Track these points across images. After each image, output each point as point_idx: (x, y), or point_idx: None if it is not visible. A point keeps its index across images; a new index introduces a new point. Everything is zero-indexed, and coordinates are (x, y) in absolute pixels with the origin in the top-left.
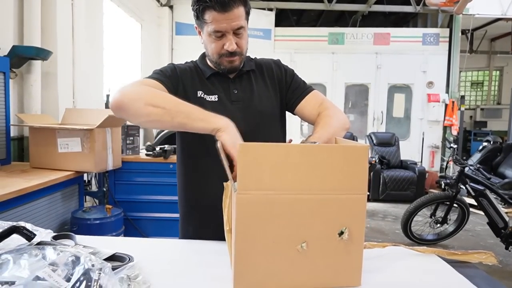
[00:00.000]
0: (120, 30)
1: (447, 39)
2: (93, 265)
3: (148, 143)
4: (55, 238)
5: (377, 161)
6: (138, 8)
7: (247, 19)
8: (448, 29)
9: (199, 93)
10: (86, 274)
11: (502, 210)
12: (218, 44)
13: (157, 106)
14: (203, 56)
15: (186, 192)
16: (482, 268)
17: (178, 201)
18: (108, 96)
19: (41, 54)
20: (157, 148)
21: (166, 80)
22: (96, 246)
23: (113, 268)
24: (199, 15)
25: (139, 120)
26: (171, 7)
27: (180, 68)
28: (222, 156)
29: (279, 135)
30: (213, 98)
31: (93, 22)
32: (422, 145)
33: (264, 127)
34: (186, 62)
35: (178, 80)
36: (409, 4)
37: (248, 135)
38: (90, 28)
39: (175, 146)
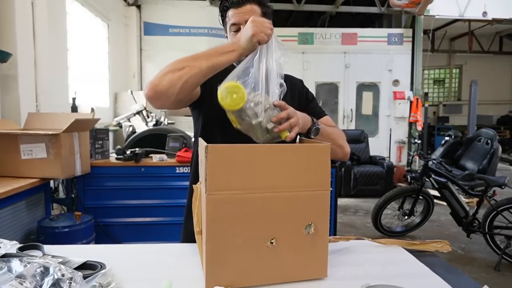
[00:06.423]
0: (86, 30)
1: (411, 39)
2: (63, 275)
3: (118, 146)
4: (21, 249)
5: None
6: (104, 8)
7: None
8: (411, 29)
9: None
10: (56, 284)
11: (463, 200)
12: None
13: (182, 67)
14: None
15: None
16: (446, 255)
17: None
18: (74, 99)
19: None
20: (128, 152)
21: None
22: (66, 255)
23: (85, 277)
24: (222, 18)
25: (177, 88)
26: (138, 6)
27: None
28: (201, 159)
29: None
30: None
31: (56, 22)
32: (390, 141)
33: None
34: None
35: None
36: (374, 5)
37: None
38: (53, 29)
39: (146, 149)
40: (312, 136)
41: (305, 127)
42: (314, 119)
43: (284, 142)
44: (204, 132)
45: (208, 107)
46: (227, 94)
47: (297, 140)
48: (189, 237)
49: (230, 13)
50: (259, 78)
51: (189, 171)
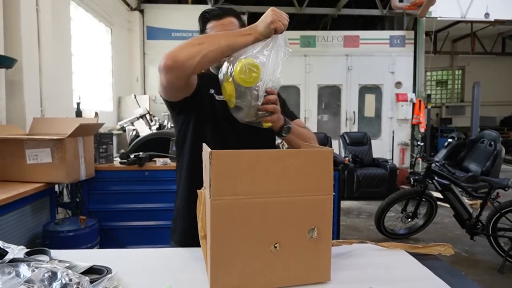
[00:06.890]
0: (90, 35)
1: (413, 41)
2: (70, 280)
3: (122, 150)
4: (28, 254)
5: (350, 160)
6: (107, 13)
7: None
8: (413, 31)
9: (211, 91)
10: None
11: (466, 202)
12: None
13: (201, 42)
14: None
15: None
16: (449, 258)
17: (178, 205)
18: (78, 104)
19: (5, 62)
20: (132, 156)
21: None
22: (72, 260)
23: (91, 281)
24: (202, 28)
25: (196, 60)
26: (141, 11)
27: None
28: (205, 165)
29: (272, 141)
30: (222, 97)
31: (61, 28)
32: (393, 143)
33: (263, 131)
34: None
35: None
36: (376, 7)
37: (248, 138)
38: (58, 34)
39: (149, 153)
40: (284, 134)
41: (278, 123)
42: (286, 119)
43: (261, 128)
44: (196, 129)
45: (200, 104)
46: (247, 70)
47: (281, 146)
48: (179, 237)
49: (211, 24)
50: (264, 65)
51: None
